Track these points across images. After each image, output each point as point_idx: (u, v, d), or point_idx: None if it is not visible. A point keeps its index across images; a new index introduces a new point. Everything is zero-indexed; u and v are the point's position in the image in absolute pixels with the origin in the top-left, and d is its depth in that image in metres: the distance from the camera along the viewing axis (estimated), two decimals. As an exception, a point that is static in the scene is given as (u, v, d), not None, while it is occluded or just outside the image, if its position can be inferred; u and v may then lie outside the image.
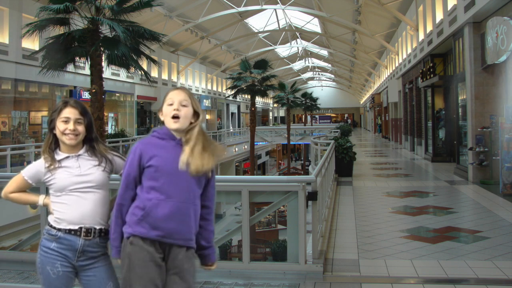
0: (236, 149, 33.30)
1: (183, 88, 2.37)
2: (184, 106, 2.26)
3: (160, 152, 2.23)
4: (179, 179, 2.21)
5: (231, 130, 40.53)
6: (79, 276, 2.38)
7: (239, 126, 47.79)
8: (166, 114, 2.26)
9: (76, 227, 2.32)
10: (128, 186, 2.25)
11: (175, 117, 2.25)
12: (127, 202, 2.26)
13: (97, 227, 2.36)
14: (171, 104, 2.26)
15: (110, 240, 2.31)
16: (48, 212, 2.45)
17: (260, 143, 37.58)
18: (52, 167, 2.35)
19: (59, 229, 2.33)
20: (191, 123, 2.29)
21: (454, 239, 5.73)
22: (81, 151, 2.42)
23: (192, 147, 2.23)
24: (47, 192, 2.47)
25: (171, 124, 2.26)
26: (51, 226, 2.36)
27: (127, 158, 2.29)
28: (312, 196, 4.34)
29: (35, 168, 2.41)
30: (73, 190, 2.34)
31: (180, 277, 2.25)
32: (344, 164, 11.84)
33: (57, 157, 2.38)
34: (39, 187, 2.56)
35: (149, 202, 2.19)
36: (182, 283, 2.25)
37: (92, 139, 2.45)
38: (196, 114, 2.31)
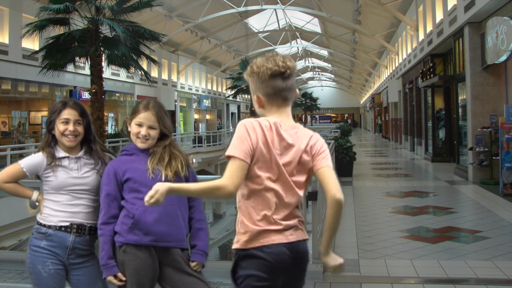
0: (236, 149, 33.20)
1: (154, 106, 2.36)
2: (152, 129, 2.32)
3: (132, 165, 2.29)
4: None
5: (231, 130, 40.50)
6: (69, 276, 2.37)
7: (239, 126, 47.68)
8: (133, 133, 2.33)
9: (67, 224, 2.32)
10: (111, 205, 2.27)
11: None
12: (112, 220, 2.27)
13: (88, 225, 2.35)
14: (140, 125, 2.31)
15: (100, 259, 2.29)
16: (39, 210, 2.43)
17: (260, 143, 37.51)
18: (52, 163, 2.34)
19: (49, 226, 2.32)
20: (160, 137, 2.36)
21: (454, 239, 5.73)
22: (81, 153, 2.41)
23: (158, 158, 2.31)
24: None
25: (138, 144, 2.34)
26: (40, 224, 2.35)
27: (102, 180, 2.32)
28: (312, 196, 4.33)
29: (36, 160, 2.37)
30: (68, 191, 2.34)
31: (181, 271, 2.27)
32: (344, 164, 11.82)
33: (57, 155, 2.37)
34: (39, 187, 2.53)
35: (136, 210, 2.22)
36: (184, 274, 2.27)
37: (91, 141, 2.44)
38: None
